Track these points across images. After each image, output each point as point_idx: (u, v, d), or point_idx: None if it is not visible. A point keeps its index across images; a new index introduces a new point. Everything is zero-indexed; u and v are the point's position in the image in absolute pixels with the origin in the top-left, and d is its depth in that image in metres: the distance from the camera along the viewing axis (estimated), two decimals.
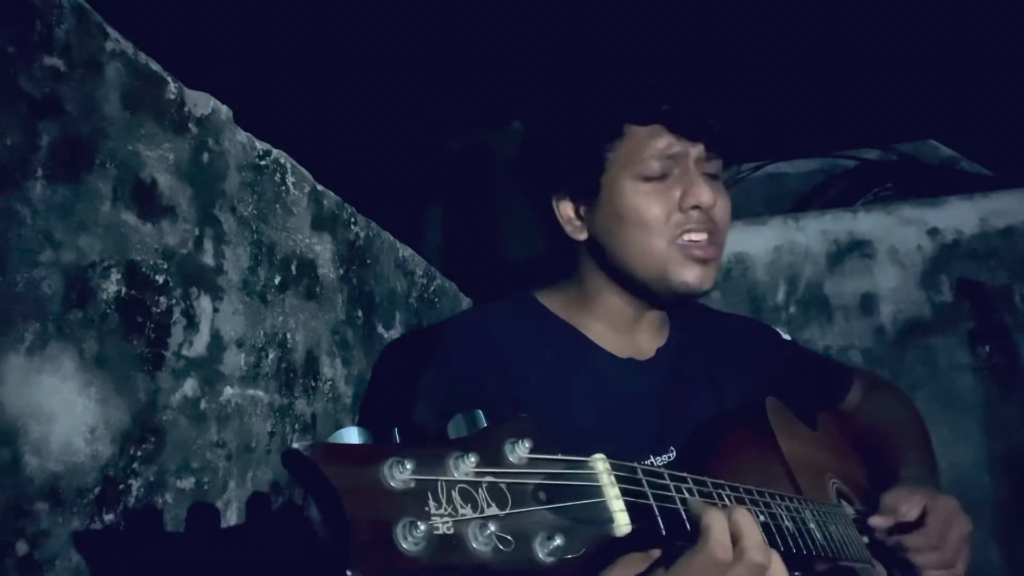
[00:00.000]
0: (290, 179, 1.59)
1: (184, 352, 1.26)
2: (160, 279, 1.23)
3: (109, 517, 1.10)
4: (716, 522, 0.69)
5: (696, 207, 1.10)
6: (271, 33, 2.84)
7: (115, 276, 1.14)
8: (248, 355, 1.41)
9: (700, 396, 1.19)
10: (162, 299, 1.23)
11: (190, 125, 1.33)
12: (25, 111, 1.02)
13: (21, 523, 0.97)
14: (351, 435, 0.55)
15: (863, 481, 1.28)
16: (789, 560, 0.78)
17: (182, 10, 2.53)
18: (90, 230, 1.11)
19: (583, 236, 1.16)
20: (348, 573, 0.47)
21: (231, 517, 1.33)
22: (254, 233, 1.46)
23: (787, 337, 1.42)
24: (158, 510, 1.18)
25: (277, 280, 1.52)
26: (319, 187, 1.69)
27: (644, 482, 0.68)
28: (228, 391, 1.35)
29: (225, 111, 1.42)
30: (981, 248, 2.42)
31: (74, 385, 1.06)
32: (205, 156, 1.36)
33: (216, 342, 1.34)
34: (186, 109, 1.32)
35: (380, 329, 1.89)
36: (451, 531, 0.52)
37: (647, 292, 1.14)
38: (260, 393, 1.44)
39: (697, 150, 1.11)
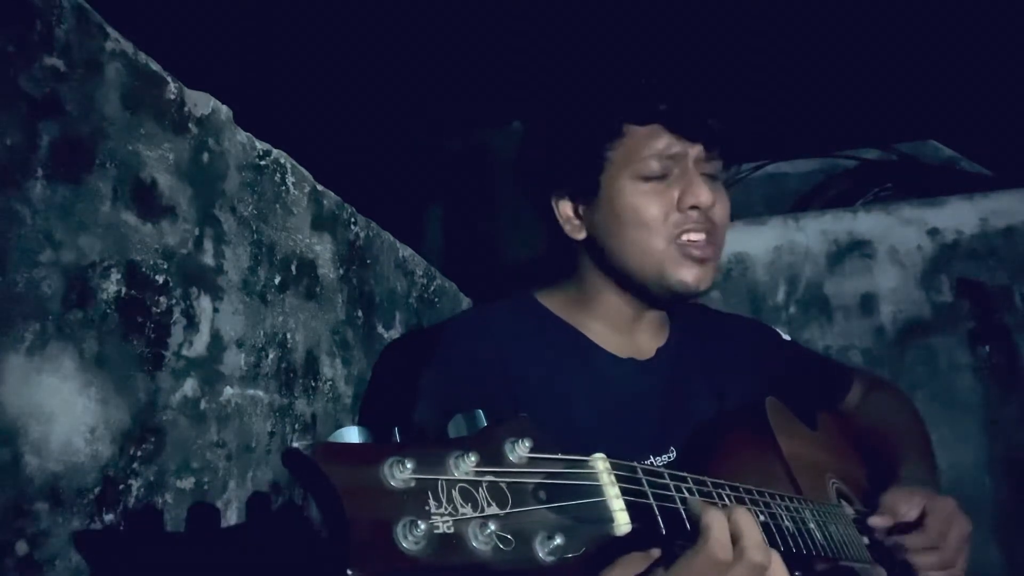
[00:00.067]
0: (290, 179, 1.59)
1: (184, 352, 1.26)
2: (160, 279, 1.23)
3: (109, 517, 1.10)
4: (716, 522, 0.69)
5: (695, 207, 1.10)
6: (271, 33, 2.84)
7: (115, 276, 1.14)
8: (248, 355, 1.41)
9: (700, 396, 1.19)
10: (162, 299, 1.23)
11: (190, 125, 1.33)
12: (25, 111, 1.02)
13: (21, 523, 0.97)
14: (351, 435, 0.55)
15: (863, 481, 1.28)
16: (789, 560, 0.78)
17: (182, 10, 2.53)
18: (90, 230, 1.11)
19: (582, 235, 1.16)
20: (348, 573, 0.47)
21: (231, 517, 1.33)
22: (254, 233, 1.46)
23: (787, 337, 1.42)
24: (158, 510, 1.18)
25: (277, 280, 1.52)
26: (319, 187, 1.69)
27: (644, 481, 0.68)
28: (228, 391, 1.35)
29: (225, 111, 1.42)
30: (981, 248, 2.42)
31: (74, 385, 1.06)
32: (205, 156, 1.36)
33: (216, 342, 1.34)
34: (186, 109, 1.32)
35: (380, 329, 1.89)
36: (451, 530, 0.52)
37: (646, 292, 1.14)
38: (260, 393, 1.44)
39: (696, 150, 1.11)
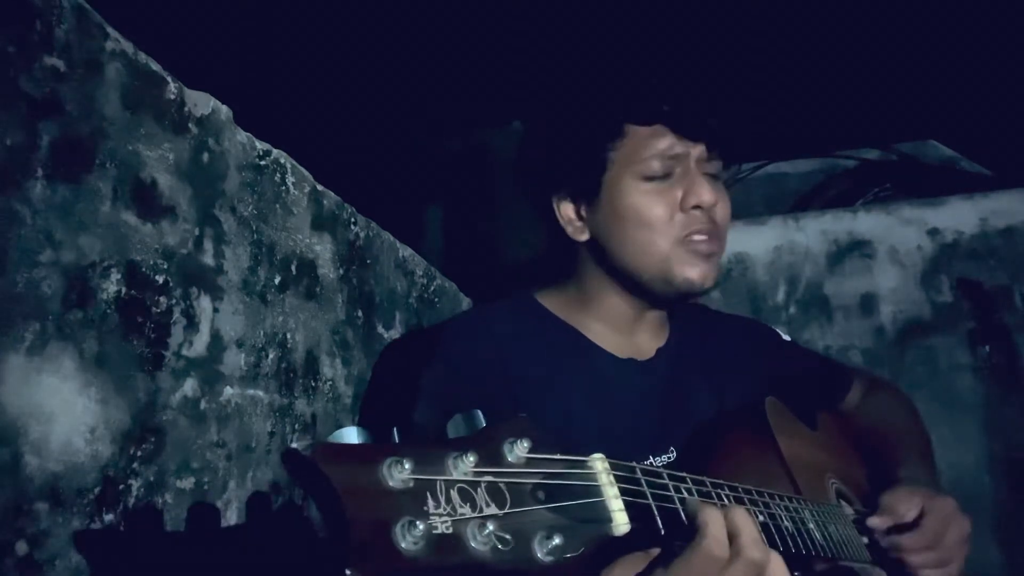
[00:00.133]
0: (290, 179, 1.59)
1: (184, 352, 1.27)
2: (160, 279, 1.23)
3: (109, 517, 1.10)
4: (713, 519, 0.69)
5: (697, 207, 1.10)
6: (271, 33, 2.84)
7: (115, 276, 1.14)
8: (248, 355, 1.41)
9: (700, 396, 1.19)
10: (162, 299, 1.23)
11: (190, 125, 1.33)
12: (25, 111, 1.02)
13: (21, 523, 0.97)
14: (351, 435, 0.55)
15: (863, 481, 1.28)
16: (789, 560, 0.78)
17: (182, 10, 2.53)
18: (90, 230, 1.11)
19: (584, 237, 1.16)
20: (348, 573, 0.47)
21: (231, 517, 1.33)
22: (254, 233, 1.46)
23: (787, 337, 1.42)
24: (158, 510, 1.18)
25: (277, 280, 1.52)
26: (319, 187, 1.69)
27: (643, 482, 0.68)
28: (228, 391, 1.36)
29: (225, 111, 1.42)
30: (981, 248, 2.42)
31: (74, 385, 1.06)
32: (205, 156, 1.36)
33: (216, 342, 1.34)
34: (186, 109, 1.32)
35: (380, 329, 1.89)
36: (450, 530, 0.52)
37: (648, 291, 1.14)
38: (260, 393, 1.44)
39: (698, 150, 1.12)
